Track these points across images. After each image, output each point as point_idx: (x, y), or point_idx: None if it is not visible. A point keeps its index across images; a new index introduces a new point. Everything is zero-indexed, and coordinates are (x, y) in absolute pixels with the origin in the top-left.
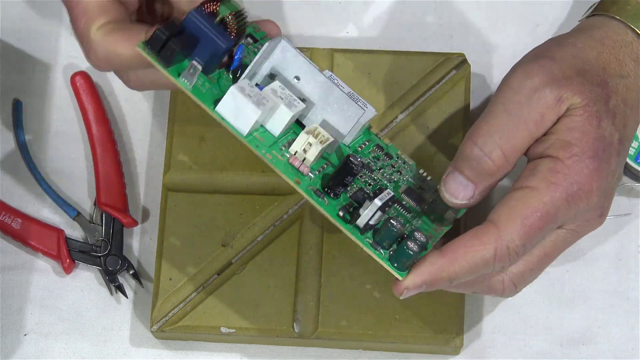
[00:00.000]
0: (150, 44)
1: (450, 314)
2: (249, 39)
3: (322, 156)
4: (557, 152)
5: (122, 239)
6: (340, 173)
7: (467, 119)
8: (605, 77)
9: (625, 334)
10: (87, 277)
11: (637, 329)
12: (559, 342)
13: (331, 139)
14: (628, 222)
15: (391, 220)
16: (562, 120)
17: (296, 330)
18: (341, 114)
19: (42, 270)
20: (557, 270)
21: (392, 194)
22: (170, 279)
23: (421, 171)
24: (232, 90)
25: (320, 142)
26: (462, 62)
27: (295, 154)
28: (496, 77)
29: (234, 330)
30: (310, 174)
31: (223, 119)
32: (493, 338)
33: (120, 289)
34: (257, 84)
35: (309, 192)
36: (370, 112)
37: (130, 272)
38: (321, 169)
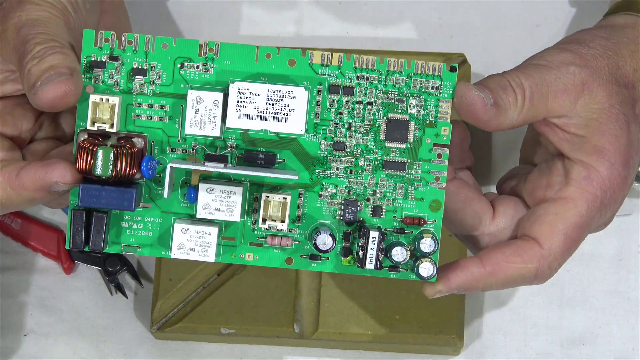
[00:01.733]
0: (76, 247)
1: (450, 315)
2: (139, 142)
3: (288, 204)
4: (590, 157)
5: None
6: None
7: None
8: (634, 80)
9: (625, 334)
10: (87, 278)
11: (637, 329)
12: (559, 342)
13: (286, 195)
14: (628, 222)
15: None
16: (591, 123)
17: (296, 330)
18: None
19: (42, 270)
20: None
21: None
22: (170, 280)
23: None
24: (174, 252)
25: (280, 204)
26: (462, 62)
27: (267, 228)
28: None
29: (233, 330)
30: (292, 242)
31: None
32: (493, 338)
33: (120, 289)
34: (190, 192)
35: (302, 264)
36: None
37: (130, 273)
38: (298, 217)
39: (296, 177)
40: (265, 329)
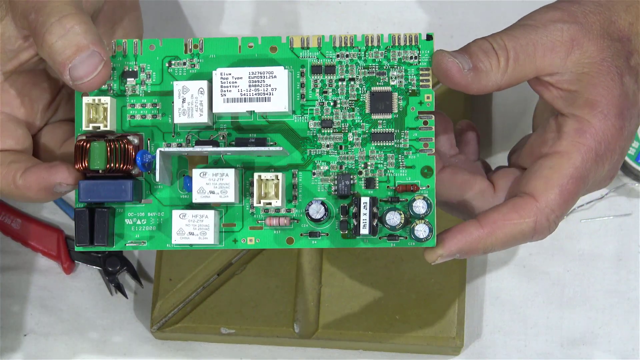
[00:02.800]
0: (82, 244)
1: (450, 314)
2: (134, 140)
3: (283, 185)
4: (582, 111)
5: None
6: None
7: (467, 118)
8: (629, 34)
9: (625, 334)
10: (87, 278)
11: (637, 329)
12: (559, 342)
13: (278, 173)
14: (628, 222)
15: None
16: (583, 77)
17: (296, 330)
18: (267, 153)
19: (42, 270)
20: (557, 270)
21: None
22: (170, 280)
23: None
24: (174, 237)
25: (272, 181)
26: None
27: (263, 206)
28: None
29: (234, 330)
30: (290, 221)
31: (190, 246)
32: (493, 338)
33: (120, 289)
34: (186, 181)
35: (303, 242)
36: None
37: (130, 273)
38: (294, 196)
39: (287, 154)
40: (265, 329)
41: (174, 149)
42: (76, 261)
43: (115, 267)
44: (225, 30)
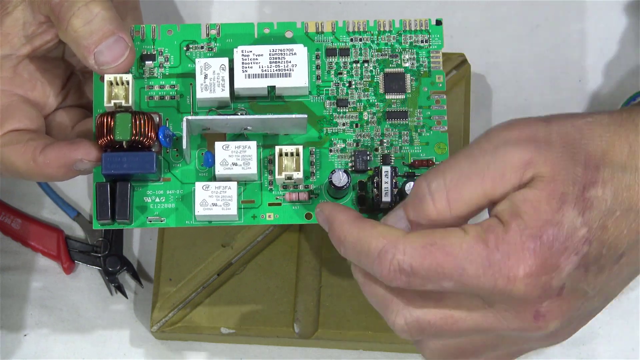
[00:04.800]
0: (102, 219)
1: None
2: (156, 118)
3: (301, 158)
4: (504, 215)
5: (122, 239)
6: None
7: (466, 120)
8: (598, 162)
9: (625, 334)
10: (87, 278)
11: (637, 329)
12: None
13: (298, 146)
14: None
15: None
16: (523, 190)
17: (296, 330)
18: (287, 123)
19: (42, 270)
20: None
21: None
22: (170, 279)
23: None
24: (197, 209)
25: (292, 156)
26: (462, 62)
27: (286, 181)
28: (496, 77)
29: (234, 330)
30: (309, 196)
31: (209, 222)
32: None
33: (120, 289)
34: (207, 157)
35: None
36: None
37: (130, 273)
38: (312, 173)
39: (305, 116)
40: (265, 329)
41: (199, 117)
42: (76, 261)
43: (115, 267)
44: None
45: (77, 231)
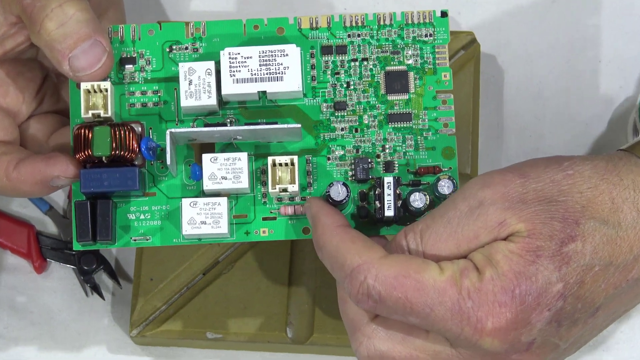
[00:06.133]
0: (83, 240)
1: None
2: (138, 128)
3: (297, 170)
4: (479, 262)
5: None
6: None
7: (475, 104)
8: (578, 216)
9: (626, 334)
10: (60, 277)
11: (638, 330)
12: None
13: (293, 156)
14: None
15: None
16: (500, 241)
17: (289, 335)
18: (280, 132)
19: (11, 269)
20: None
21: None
22: (152, 279)
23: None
24: (185, 228)
25: (287, 166)
26: (471, 41)
27: (280, 194)
28: (507, 58)
29: (221, 335)
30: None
31: (198, 240)
32: None
33: (96, 290)
34: (194, 169)
35: None
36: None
37: (107, 272)
38: (309, 183)
39: (299, 126)
40: (255, 334)
41: (184, 129)
42: (48, 259)
43: (91, 266)
44: None
45: (50, 226)
